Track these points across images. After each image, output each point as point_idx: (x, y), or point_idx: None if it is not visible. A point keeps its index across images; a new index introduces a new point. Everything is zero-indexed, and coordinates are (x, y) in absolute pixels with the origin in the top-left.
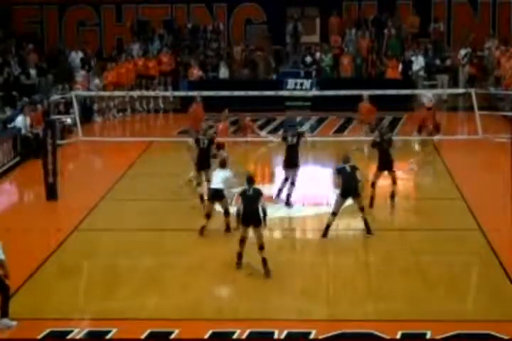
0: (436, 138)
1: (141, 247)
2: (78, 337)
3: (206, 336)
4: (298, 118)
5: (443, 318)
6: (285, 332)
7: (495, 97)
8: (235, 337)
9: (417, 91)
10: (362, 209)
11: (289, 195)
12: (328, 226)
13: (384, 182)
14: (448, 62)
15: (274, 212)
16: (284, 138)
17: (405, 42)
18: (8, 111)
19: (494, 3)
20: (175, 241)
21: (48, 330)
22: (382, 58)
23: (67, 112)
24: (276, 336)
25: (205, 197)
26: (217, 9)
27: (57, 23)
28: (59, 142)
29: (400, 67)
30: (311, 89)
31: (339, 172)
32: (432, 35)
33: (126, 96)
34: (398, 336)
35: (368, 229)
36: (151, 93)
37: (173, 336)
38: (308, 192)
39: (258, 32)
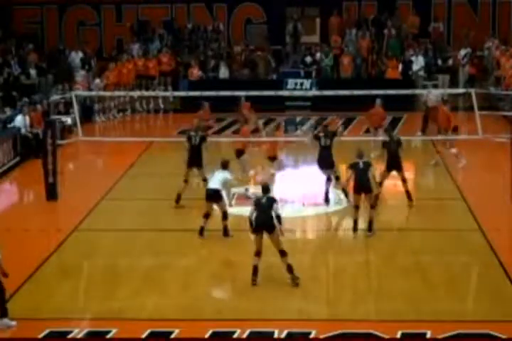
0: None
1: (141, 247)
2: (78, 337)
3: (206, 336)
4: (298, 118)
5: (443, 318)
6: (285, 332)
7: (495, 97)
8: (235, 337)
9: (417, 91)
10: (372, 207)
11: (327, 192)
12: (355, 221)
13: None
14: (449, 62)
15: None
16: (317, 137)
17: (405, 42)
18: (8, 111)
19: (494, 2)
20: (175, 241)
21: (47, 330)
22: (382, 58)
23: (67, 112)
24: (276, 336)
25: (181, 196)
26: (217, 9)
27: (57, 23)
28: (59, 142)
29: (400, 67)
30: (311, 89)
31: (352, 167)
32: (432, 35)
33: (127, 96)
34: (398, 336)
35: (369, 228)
36: (151, 93)
37: (173, 336)
38: (308, 192)
39: (258, 32)
